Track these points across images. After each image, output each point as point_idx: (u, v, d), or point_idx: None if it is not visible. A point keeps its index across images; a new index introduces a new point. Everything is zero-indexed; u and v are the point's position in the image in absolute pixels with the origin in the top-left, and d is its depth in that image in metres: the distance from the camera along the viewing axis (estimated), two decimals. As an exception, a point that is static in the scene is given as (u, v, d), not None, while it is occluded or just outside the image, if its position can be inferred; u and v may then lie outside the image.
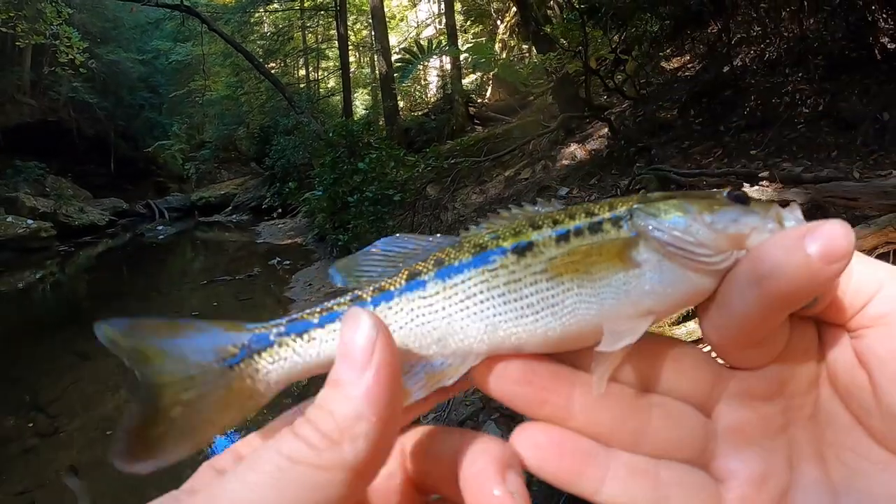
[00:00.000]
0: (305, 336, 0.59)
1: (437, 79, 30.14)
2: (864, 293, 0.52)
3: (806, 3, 9.43)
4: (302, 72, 36.10)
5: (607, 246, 0.57)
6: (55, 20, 21.02)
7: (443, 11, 27.06)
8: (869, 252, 5.17)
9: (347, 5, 26.20)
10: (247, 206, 29.78)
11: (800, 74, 9.22)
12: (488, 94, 25.12)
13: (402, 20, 36.01)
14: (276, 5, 31.08)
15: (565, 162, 12.20)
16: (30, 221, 22.20)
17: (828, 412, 0.55)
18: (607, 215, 0.58)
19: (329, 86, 35.47)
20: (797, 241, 0.48)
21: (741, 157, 8.35)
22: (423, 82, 30.99)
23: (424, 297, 0.59)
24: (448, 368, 0.58)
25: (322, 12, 29.63)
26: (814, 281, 0.48)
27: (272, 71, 28.12)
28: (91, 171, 30.87)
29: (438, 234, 0.65)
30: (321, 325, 0.60)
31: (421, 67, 23.69)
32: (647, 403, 0.58)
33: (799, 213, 0.55)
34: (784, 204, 0.58)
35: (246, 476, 0.47)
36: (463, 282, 0.59)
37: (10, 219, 21.90)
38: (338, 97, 30.92)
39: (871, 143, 7.33)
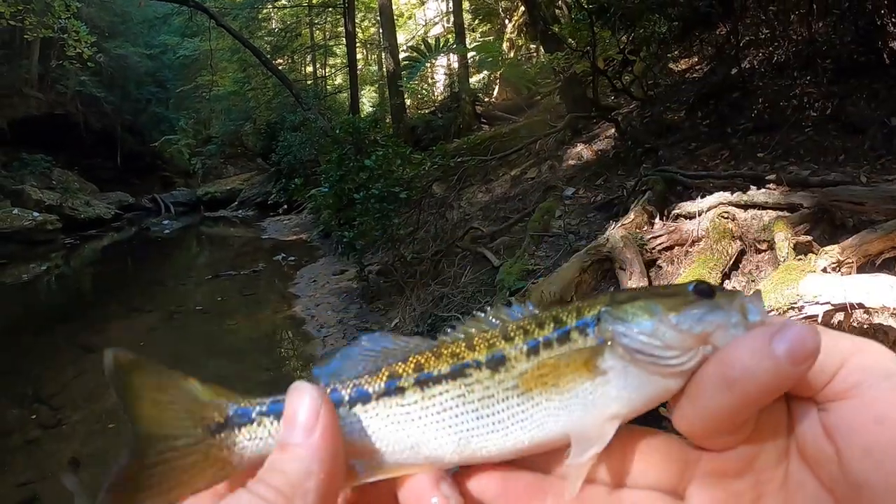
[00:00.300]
0: (280, 422, 0.59)
1: (444, 77, 30.19)
2: (829, 368, 0.53)
3: (815, 7, 9.42)
4: (309, 68, 36.15)
5: (574, 357, 0.58)
6: (63, 14, 21.01)
7: (451, 10, 27.00)
8: (875, 257, 5.16)
9: (356, 2, 26.22)
10: (252, 202, 29.84)
11: (808, 78, 9.20)
12: (495, 92, 25.11)
13: (410, 18, 36.01)
14: (284, 2, 31.10)
15: (571, 162, 12.20)
16: (36, 214, 22.26)
17: (797, 481, 0.55)
18: (574, 323, 0.60)
19: (336, 83, 35.47)
20: (765, 345, 0.50)
21: (748, 159, 8.33)
22: (430, 80, 31.01)
23: (402, 405, 0.60)
24: (413, 468, 0.60)
25: (330, 9, 29.65)
26: (783, 383, 0.50)
27: (279, 67, 28.11)
28: (97, 164, 30.94)
29: (417, 337, 0.65)
30: None
31: (428, 66, 23.69)
32: (619, 500, 0.59)
33: (762, 304, 0.56)
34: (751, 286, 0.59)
35: None
36: (440, 393, 0.60)
37: (16, 211, 21.97)
38: (345, 94, 30.89)
39: (879, 147, 7.31)
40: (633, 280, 6.46)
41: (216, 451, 0.59)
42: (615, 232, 7.15)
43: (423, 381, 0.60)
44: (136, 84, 34.35)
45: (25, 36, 22.33)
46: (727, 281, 6.20)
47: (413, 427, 0.59)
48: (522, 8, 20.56)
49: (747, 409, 0.52)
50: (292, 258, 16.38)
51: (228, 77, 33.19)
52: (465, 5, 25.22)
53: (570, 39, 12.02)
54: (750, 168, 7.84)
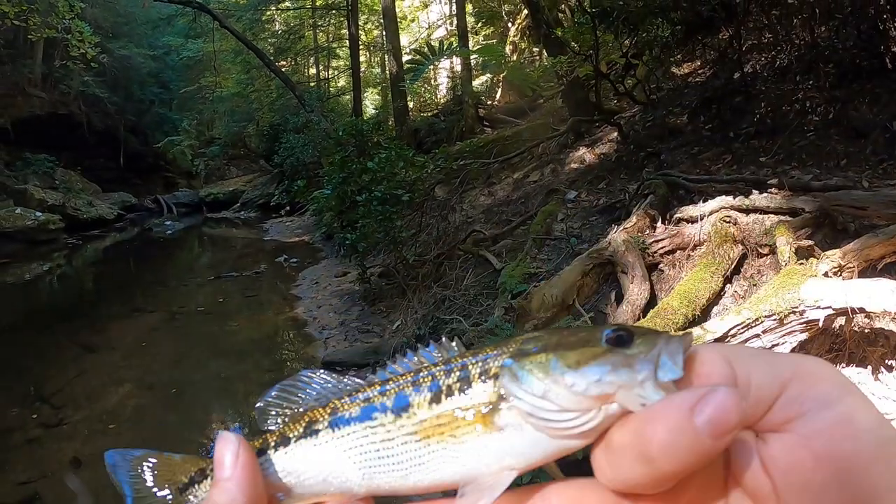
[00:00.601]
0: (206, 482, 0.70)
1: (447, 80, 30.21)
2: (766, 396, 0.51)
3: (817, 11, 9.41)
4: (312, 70, 36.24)
5: (472, 411, 0.59)
6: (67, 14, 21.06)
7: (454, 13, 27.08)
8: (876, 261, 5.17)
9: (359, 5, 26.25)
10: (255, 203, 29.86)
11: (810, 82, 9.20)
12: (498, 96, 25.12)
13: (413, 21, 36.06)
14: (287, 3, 31.17)
15: (574, 165, 12.20)
16: (38, 214, 22.28)
17: None
18: (477, 373, 0.61)
19: (339, 85, 35.57)
20: (684, 419, 0.47)
21: (750, 163, 8.33)
22: (433, 83, 31.03)
23: (315, 445, 0.66)
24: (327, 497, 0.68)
25: (333, 12, 29.71)
26: (704, 458, 0.48)
27: (283, 69, 28.16)
28: (100, 164, 30.95)
29: (348, 377, 0.71)
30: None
31: (431, 68, 23.69)
32: None
33: (681, 356, 0.53)
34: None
35: None
36: (348, 434, 0.65)
37: (18, 210, 22.00)
38: (348, 96, 30.97)
39: (881, 151, 7.31)
40: (636, 284, 6.46)
41: None
42: (617, 235, 7.16)
43: (335, 423, 0.66)
44: (139, 85, 34.39)
45: (29, 36, 22.43)
46: (728, 285, 6.20)
47: (325, 462, 0.66)
48: (525, 11, 20.59)
49: (668, 482, 0.50)
50: (294, 260, 16.40)
51: (232, 79, 33.30)
52: (469, 8, 25.23)
53: (572, 43, 12.02)
54: (752, 172, 7.84)
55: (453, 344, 0.67)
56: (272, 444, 0.68)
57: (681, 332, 0.57)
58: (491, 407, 0.58)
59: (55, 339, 10.79)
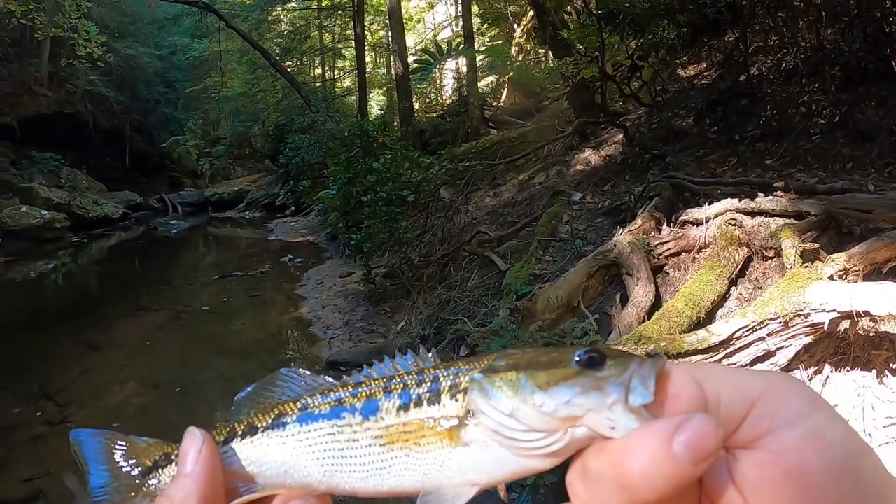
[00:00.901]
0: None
1: (452, 81, 30.22)
2: (736, 414, 0.52)
3: (823, 14, 9.40)
4: (318, 71, 36.25)
5: (438, 423, 0.60)
6: (74, 13, 21.09)
7: (460, 14, 27.06)
8: (882, 265, 5.16)
9: (365, 6, 26.25)
10: (260, 203, 29.89)
11: (816, 85, 9.18)
12: (503, 97, 25.12)
13: (419, 22, 36.09)
14: (293, 4, 31.21)
15: (579, 167, 12.19)
16: (44, 212, 22.35)
17: None
18: (447, 385, 0.61)
19: (345, 85, 35.58)
20: (664, 447, 0.47)
21: (756, 166, 8.32)
22: (438, 84, 31.03)
23: (282, 437, 0.68)
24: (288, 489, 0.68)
25: (339, 12, 29.74)
26: (684, 484, 0.48)
27: (288, 69, 28.17)
28: (106, 163, 31.03)
29: (326, 377, 0.73)
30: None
31: (437, 69, 23.71)
32: None
33: (652, 380, 0.53)
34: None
35: None
36: (314, 430, 0.66)
37: (24, 209, 22.08)
38: (353, 97, 31.02)
39: (887, 155, 7.29)
40: (641, 286, 6.46)
41: (144, 488, 0.71)
42: (622, 237, 7.16)
43: (304, 419, 0.67)
44: (145, 84, 34.43)
45: (36, 35, 22.42)
46: (733, 288, 6.20)
47: (287, 455, 0.67)
48: (531, 13, 20.59)
49: None
50: (299, 260, 16.42)
51: (237, 78, 33.34)
52: (474, 9, 25.25)
53: (578, 45, 12.03)
54: (758, 175, 7.83)
55: (429, 355, 0.67)
56: (239, 432, 0.70)
57: (654, 356, 0.57)
58: (458, 421, 0.59)
59: (60, 337, 10.81)
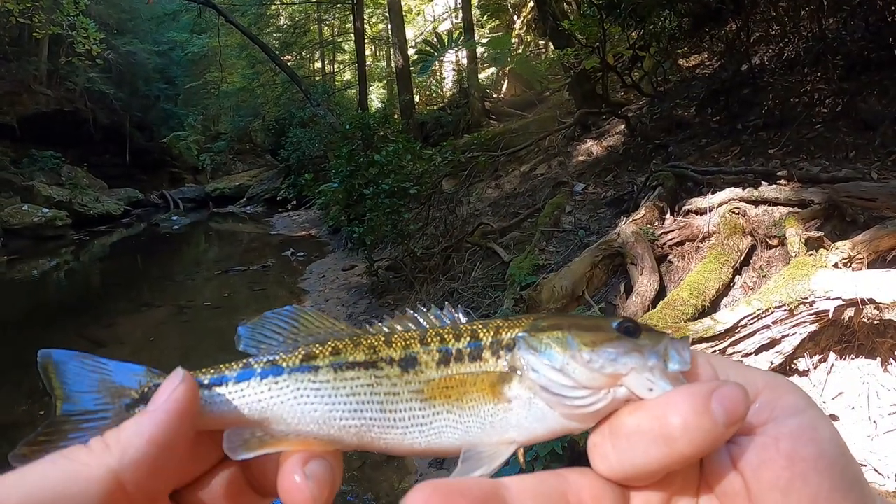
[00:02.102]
0: None
1: (452, 73, 30.15)
2: None
3: (825, 3, 9.38)
4: (318, 64, 36.24)
5: (481, 378, 0.59)
6: (72, 11, 21.14)
7: (459, 6, 27.01)
8: (886, 252, 5.16)
9: (364, -1, 26.24)
10: (261, 198, 29.92)
11: (818, 74, 9.17)
12: (504, 88, 25.10)
13: (418, 14, 36.02)
14: (292, -2, 31.16)
15: (581, 158, 12.19)
16: (45, 210, 22.40)
17: None
18: (489, 341, 0.60)
19: (345, 79, 35.54)
20: (706, 405, 0.50)
21: (759, 155, 8.31)
22: (439, 76, 31.00)
23: (314, 381, 0.63)
24: (313, 443, 0.63)
25: (338, 5, 29.71)
26: (715, 444, 0.51)
27: (288, 63, 28.16)
28: (107, 161, 31.09)
29: (344, 322, 0.68)
30: (209, 386, 0.65)
31: (437, 62, 23.70)
32: None
33: (687, 352, 0.56)
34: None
35: (30, 467, 0.55)
36: (351, 378, 0.62)
37: (25, 207, 22.12)
38: (353, 90, 30.97)
39: (890, 143, 7.28)
40: (645, 275, 6.46)
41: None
42: (626, 227, 7.15)
43: (338, 365, 0.63)
44: (144, 81, 34.46)
45: (34, 33, 22.50)
46: (738, 276, 6.21)
47: (321, 404, 0.62)
48: (531, 4, 20.56)
49: (676, 466, 0.52)
50: (301, 254, 16.42)
51: (237, 73, 33.34)
52: (474, 1, 25.19)
53: (579, 35, 12.01)
54: (761, 164, 7.82)
55: (460, 314, 0.66)
56: (258, 370, 0.65)
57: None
58: (503, 377, 0.58)
59: (64, 334, 10.82)
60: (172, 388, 0.59)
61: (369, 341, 0.64)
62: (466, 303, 8.35)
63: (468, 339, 0.61)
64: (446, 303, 0.68)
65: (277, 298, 12.70)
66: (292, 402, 0.62)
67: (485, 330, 0.61)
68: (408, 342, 0.63)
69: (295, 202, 25.14)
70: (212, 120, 36.63)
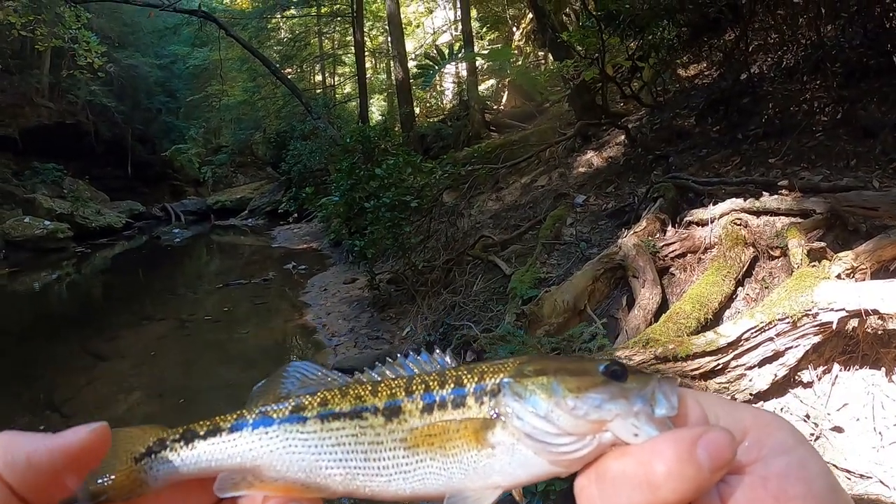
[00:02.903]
0: (189, 445, 0.67)
1: (452, 85, 30.26)
2: None
3: (823, 11, 9.40)
4: (318, 77, 36.33)
5: (464, 425, 0.59)
6: (74, 24, 21.20)
7: (459, 18, 27.11)
8: (889, 262, 5.15)
9: (364, 12, 26.30)
10: (262, 211, 29.93)
11: (818, 82, 9.18)
12: (504, 100, 25.18)
13: (418, 27, 36.16)
14: (292, 11, 31.25)
15: (582, 169, 12.20)
16: (47, 223, 22.39)
17: None
18: (472, 388, 0.61)
19: (345, 91, 35.63)
20: (691, 451, 0.50)
21: (759, 165, 8.31)
22: (438, 89, 31.08)
23: (302, 432, 0.65)
24: (299, 489, 0.65)
25: (338, 19, 29.82)
26: (700, 490, 0.50)
27: (288, 76, 28.24)
28: (108, 173, 31.12)
29: (336, 372, 0.72)
30: (204, 437, 0.68)
31: (437, 74, 23.76)
32: None
33: (674, 395, 0.56)
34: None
35: None
36: (337, 429, 0.64)
37: (27, 220, 22.13)
38: (354, 103, 31.06)
39: (891, 151, 7.28)
40: (647, 288, 6.45)
41: (135, 475, 0.66)
42: (627, 240, 7.14)
43: (325, 416, 0.64)
44: (146, 94, 34.55)
45: (36, 46, 22.59)
46: (740, 288, 6.19)
47: (308, 454, 0.64)
48: (530, 16, 20.62)
49: None
50: (303, 267, 16.41)
51: (238, 87, 33.49)
52: (473, 13, 25.28)
53: (578, 47, 12.03)
54: (761, 174, 7.82)
55: (447, 357, 0.67)
56: (250, 420, 0.67)
57: (667, 377, 0.59)
58: (485, 424, 0.59)
59: (65, 347, 10.83)
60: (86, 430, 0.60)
61: (356, 391, 0.66)
62: (468, 316, 8.34)
63: (452, 385, 0.62)
64: (436, 348, 0.69)
65: (279, 312, 12.71)
66: (281, 452, 0.64)
67: (469, 376, 0.62)
68: (393, 391, 0.64)
69: (296, 215, 25.13)
70: (213, 133, 36.74)
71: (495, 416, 0.59)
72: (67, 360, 10.08)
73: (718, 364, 4.77)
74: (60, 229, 22.53)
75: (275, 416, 0.66)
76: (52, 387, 8.91)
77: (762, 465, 0.53)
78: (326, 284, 13.91)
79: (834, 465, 4.57)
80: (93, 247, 23.23)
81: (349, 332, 10.26)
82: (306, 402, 0.66)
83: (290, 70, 32.08)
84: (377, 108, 36.18)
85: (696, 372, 4.77)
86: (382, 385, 0.65)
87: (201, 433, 0.67)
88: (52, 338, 11.71)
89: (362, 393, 0.65)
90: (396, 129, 21.16)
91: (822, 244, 5.60)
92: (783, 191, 6.89)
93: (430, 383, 0.63)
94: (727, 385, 4.85)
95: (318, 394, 0.67)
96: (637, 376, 0.57)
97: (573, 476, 0.57)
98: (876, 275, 5.05)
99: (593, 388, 0.56)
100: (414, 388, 0.63)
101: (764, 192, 6.94)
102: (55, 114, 28.36)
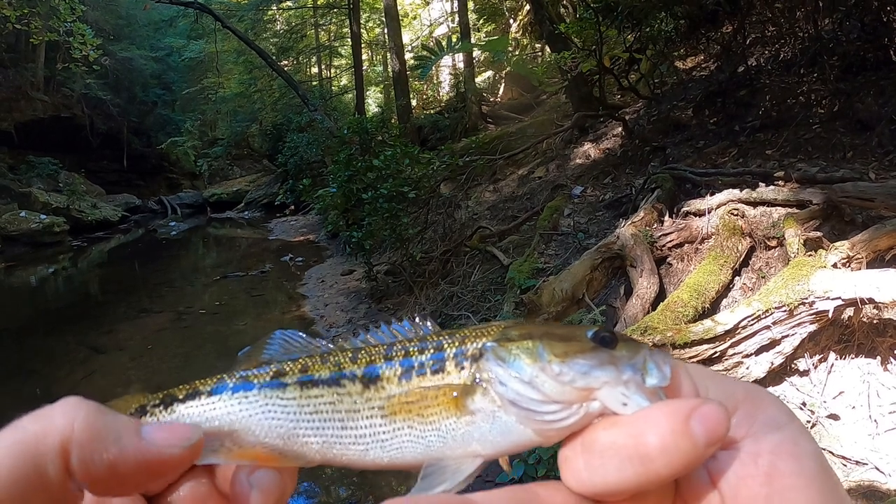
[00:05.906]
0: (168, 409, 0.66)
1: (449, 77, 30.17)
2: None
3: (821, 4, 9.41)
4: (315, 69, 36.22)
5: (443, 391, 0.57)
6: (69, 17, 21.07)
7: (455, 10, 27.06)
8: (884, 252, 5.18)
9: (360, 3, 26.22)
10: (259, 203, 29.87)
11: (815, 75, 9.20)
12: (501, 92, 25.12)
13: (414, 18, 36.02)
14: (289, 3, 31.19)
15: (579, 161, 12.20)
16: (43, 216, 22.34)
17: None
18: (452, 353, 0.59)
19: (342, 83, 35.57)
20: (684, 424, 0.48)
21: (756, 157, 8.33)
22: (435, 80, 31.02)
23: (281, 398, 0.63)
24: (276, 458, 0.63)
25: (335, 10, 29.73)
26: (694, 464, 0.49)
27: (285, 68, 28.17)
28: (104, 167, 31.09)
29: (323, 340, 0.69)
30: (183, 400, 0.66)
31: (434, 66, 23.72)
32: None
33: (666, 366, 0.54)
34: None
35: None
36: (316, 396, 0.62)
37: (23, 214, 22.07)
38: (350, 95, 31.02)
39: (887, 143, 7.30)
40: (644, 277, 6.47)
41: None
42: (625, 230, 7.16)
43: (304, 382, 0.63)
44: (141, 86, 34.43)
45: (31, 39, 22.47)
46: (737, 278, 6.22)
47: (287, 420, 0.62)
48: (527, 7, 20.59)
49: (651, 486, 0.50)
50: (300, 259, 16.41)
51: (234, 79, 33.37)
52: (470, 5, 25.23)
53: (575, 38, 12.03)
54: (758, 165, 7.84)
55: (428, 323, 0.65)
56: (230, 384, 0.65)
57: (660, 346, 0.57)
58: (465, 390, 0.57)
59: (63, 341, 10.80)
60: (180, 445, 0.58)
61: (337, 358, 0.64)
62: (466, 307, 8.36)
63: (432, 350, 0.60)
64: (417, 315, 0.67)
65: (276, 304, 12.71)
66: (260, 417, 0.63)
67: (451, 341, 0.60)
68: (372, 357, 0.62)
69: (293, 207, 25.09)
70: (209, 125, 36.60)
71: (477, 381, 0.56)
72: (65, 354, 10.06)
73: (716, 352, 4.79)
74: (56, 223, 22.50)
75: (255, 380, 0.65)
76: (50, 380, 8.89)
77: (752, 440, 0.51)
78: (324, 276, 13.90)
79: (830, 453, 4.62)
80: (89, 240, 23.19)
81: (347, 324, 10.26)
82: (287, 369, 0.65)
83: (286, 62, 31.98)
84: (374, 99, 36.06)
85: (694, 359, 4.79)
86: (363, 352, 0.63)
87: (180, 397, 0.66)
88: (50, 332, 11.70)
89: (342, 360, 0.63)
90: (393, 120, 21.18)
91: (819, 234, 5.64)
92: (780, 182, 6.93)
93: (410, 349, 0.61)
94: (724, 373, 4.88)
95: (300, 360, 0.66)
96: (628, 344, 0.55)
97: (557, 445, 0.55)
98: (871, 264, 5.08)
99: (581, 354, 0.54)
100: (394, 354, 0.61)
101: (761, 183, 6.98)
102: (50, 107, 28.30)
